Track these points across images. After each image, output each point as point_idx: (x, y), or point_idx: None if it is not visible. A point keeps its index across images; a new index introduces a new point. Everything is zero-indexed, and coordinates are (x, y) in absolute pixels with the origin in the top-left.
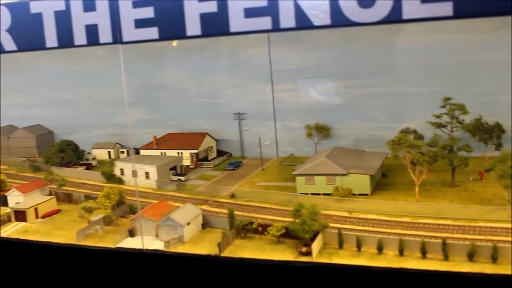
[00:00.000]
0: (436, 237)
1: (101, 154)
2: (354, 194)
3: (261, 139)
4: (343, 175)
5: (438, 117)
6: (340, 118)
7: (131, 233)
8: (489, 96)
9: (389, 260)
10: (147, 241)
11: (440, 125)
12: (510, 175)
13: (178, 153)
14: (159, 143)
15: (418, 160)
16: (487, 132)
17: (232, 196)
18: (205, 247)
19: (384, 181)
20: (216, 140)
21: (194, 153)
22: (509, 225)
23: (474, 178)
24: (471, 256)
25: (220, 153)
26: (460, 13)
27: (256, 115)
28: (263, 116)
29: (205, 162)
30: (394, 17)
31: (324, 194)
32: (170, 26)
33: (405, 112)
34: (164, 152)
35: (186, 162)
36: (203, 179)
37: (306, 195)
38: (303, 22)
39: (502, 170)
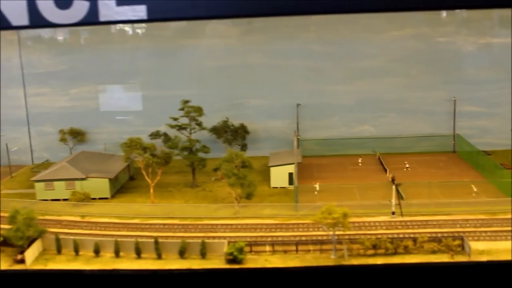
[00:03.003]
0: (156, 237)
1: None
2: (94, 198)
3: (16, 145)
4: (82, 179)
5: (175, 119)
6: (96, 122)
7: None
8: (237, 99)
9: (105, 262)
10: None
11: (180, 127)
12: (234, 174)
13: None
14: None
15: (148, 162)
16: (233, 134)
17: None
18: None
19: (131, 184)
20: None
21: None
22: (228, 221)
23: (216, 178)
24: (182, 253)
25: None
26: (152, 16)
27: (9, 121)
28: (17, 121)
29: None
30: (91, 19)
31: (64, 200)
32: None
33: (158, 116)
34: None
35: None
36: None
37: (45, 201)
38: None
39: (226, 169)
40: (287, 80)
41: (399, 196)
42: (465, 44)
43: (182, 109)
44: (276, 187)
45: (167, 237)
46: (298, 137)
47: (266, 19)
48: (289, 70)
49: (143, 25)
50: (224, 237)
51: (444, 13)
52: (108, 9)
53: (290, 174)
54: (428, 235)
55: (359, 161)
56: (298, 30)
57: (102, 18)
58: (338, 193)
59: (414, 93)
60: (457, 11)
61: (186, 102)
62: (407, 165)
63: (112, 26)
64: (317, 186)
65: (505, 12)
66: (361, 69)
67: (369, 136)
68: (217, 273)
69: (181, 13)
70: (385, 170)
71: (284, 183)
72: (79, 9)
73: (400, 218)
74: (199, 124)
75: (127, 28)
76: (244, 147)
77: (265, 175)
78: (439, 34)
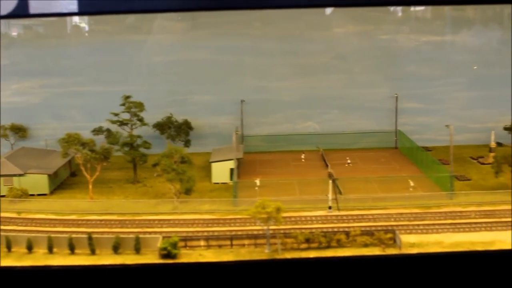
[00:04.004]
0: (90, 233)
1: None
2: (33, 195)
3: None
4: (20, 175)
5: (116, 114)
6: (38, 118)
7: None
8: (182, 95)
9: (37, 259)
10: None
11: (122, 123)
12: (173, 169)
13: None
14: None
15: (87, 157)
16: (176, 130)
17: None
18: None
19: (72, 180)
20: None
21: None
22: (165, 217)
23: (158, 174)
24: (116, 248)
25: None
26: (84, 9)
27: None
28: None
29: None
30: (22, 11)
31: (2, 196)
32: None
33: (101, 111)
34: None
35: None
36: None
37: None
38: None
39: (165, 165)
40: (232, 76)
41: (338, 191)
42: (406, 42)
43: (123, 104)
44: (218, 183)
45: (102, 232)
46: (237, 132)
47: (210, 15)
48: (233, 66)
49: (88, 19)
50: (160, 233)
51: (386, 11)
52: (39, 2)
53: (232, 170)
54: (362, 228)
55: (302, 157)
56: (243, 26)
57: (32, 10)
58: (279, 188)
59: (357, 89)
60: (399, 8)
61: (128, 97)
62: (349, 161)
63: (57, 21)
64: (257, 181)
65: (445, 10)
66: (305, 66)
67: (313, 132)
68: (148, 268)
69: (113, 7)
70: (327, 166)
71: (226, 178)
72: (8, 1)
73: (337, 213)
74: (141, 120)
75: (72, 22)
76: (187, 143)
77: (208, 171)
78: (381, 31)
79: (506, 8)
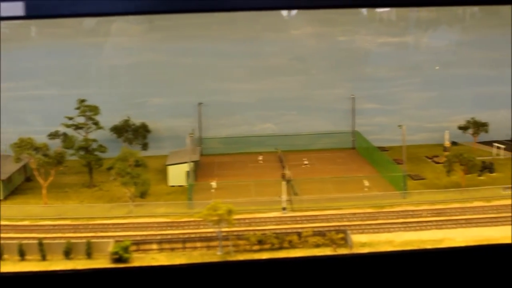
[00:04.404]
0: (41, 238)
1: None
2: None
3: None
4: None
5: (70, 118)
6: None
7: None
8: (140, 98)
9: None
10: None
11: (77, 127)
12: (128, 173)
13: None
14: None
15: (39, 162)
16: (134, 133)
17: None
18: None
19: (26, 185)
20: None
21: None
22: (119, 221)
23: (114, 178)
24: (67, 253)
25: None
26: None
27: None
28: None
29: None
30: None
31: None
32: None
33: (58, 115)
34: None
35: None
36: None
37: None
38: None
39: (119, 168)
40: (190, 78)
41: (293, 192)
42: (363, 43)
43: (78, 108)
44: (174, 186)
45: (55, 238)
46: (191, 135)
47: (168, 17)
48: (192, 68)
49: (42, 22)
50: (114, 237)
51: (344, 12)
52: None
53: (188, 173)
54: (315, 229)
55: (260, 158)
56: (200, 28)
57: None
58: (235, 190)
59: (315, 91)
60: (356, 10)
61: (83, 101)
62: (306, 162)
63: (12, 23)
64: (213, 183)
65: (402, 12)
66: (262, 67)
67: (271, 134)
68: (99, 272)
69: (58, 10)
70: (284, 167)
71: (182, 181)
72: None
73: (291, 214)
74: (96, 123)
75: (27, 25)
76: (145, 146)
77: (165, 174)
78: (338, 33)
79: (460, 10)
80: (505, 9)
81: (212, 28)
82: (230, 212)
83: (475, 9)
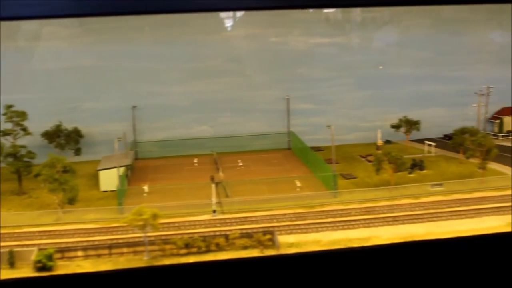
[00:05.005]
0: None
1: None
2: None
3: None
4: None
5: None
6: None
7: None
8: (72, 102)
9: None
10: None
11: (4, 133)
12: (55, 179)
13: None
14: None
15: None
16: (66, 138)
17: None
18: None
19: None
20: None
21: None
22: (47, 228)
23: (44, 185)
24: None
25: None
26: None
27: None
28: None
29: None
30: None
31: None
32: None
33: None
34: None
35: None
36: None
37: None
38: None
39: (46, 175)
40: (123, 82)
41: (225, 194)
42: (296, 44)
43: (5, 114)
44: (107, 191)
45: None
46: (120, 139)
47: (98, 20)
48: (124, 72)
49: None
50: (39, 245)
51: (276, 14)
52: None
53: (120, 177)
54: (244, 231)
55: (195, 161)
56: (132, 31)
57: None
58: (168, 193)
59: (249, 92)
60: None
61: (10, 107)
62: (241, 163)
63: None
64: (146, 187)
65: (336, 12)
66: (196, 70)
67: (207, 136)
68: (19, 282)
69: None
70: (218, 170)
71: (114, 186)
72: None
73: (221, 216)
74: (24, 129)
75: None
76: (78, 151)
77: (98, 179)
78: (271, 34)
79: (391, 10)
80: (436, 9)
81: (145, 30)
82: (155, 216)
83: (409, 9)
